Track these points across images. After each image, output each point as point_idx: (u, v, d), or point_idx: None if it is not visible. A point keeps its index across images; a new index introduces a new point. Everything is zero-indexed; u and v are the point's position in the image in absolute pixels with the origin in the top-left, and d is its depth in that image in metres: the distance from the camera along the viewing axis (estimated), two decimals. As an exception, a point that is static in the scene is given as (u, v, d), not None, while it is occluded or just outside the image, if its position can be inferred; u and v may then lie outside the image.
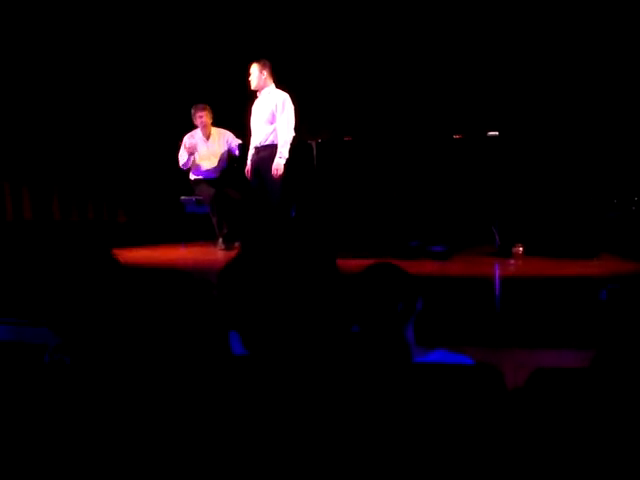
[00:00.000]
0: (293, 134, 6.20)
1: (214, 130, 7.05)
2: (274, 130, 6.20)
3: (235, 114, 7.05)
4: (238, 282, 1.34)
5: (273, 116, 6.19)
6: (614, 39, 6.98)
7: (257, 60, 6.25)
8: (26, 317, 3.38)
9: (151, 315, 1.46)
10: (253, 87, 6.28)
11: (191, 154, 6.87)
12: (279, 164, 6.09)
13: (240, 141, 7.00)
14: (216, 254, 6.51)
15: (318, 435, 1.25)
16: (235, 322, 1.43)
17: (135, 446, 1.36)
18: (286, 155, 6.11)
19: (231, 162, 7.05)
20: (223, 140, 7.06)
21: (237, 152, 6.99)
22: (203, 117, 6.94)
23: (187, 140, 6.94)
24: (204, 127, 6.98)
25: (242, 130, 6.82)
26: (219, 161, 7.01)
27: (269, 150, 6.19)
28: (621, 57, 6.98)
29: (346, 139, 6.76)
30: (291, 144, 6.15)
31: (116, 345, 1.57)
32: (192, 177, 7.03)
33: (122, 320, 1.59)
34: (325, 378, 1.30)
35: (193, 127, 7.05)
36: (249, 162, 6.41)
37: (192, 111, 6.99)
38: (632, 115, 6.94)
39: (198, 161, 6.97)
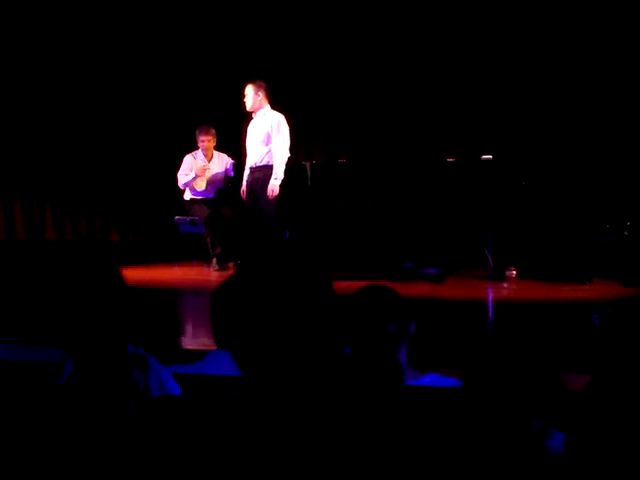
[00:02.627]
0: (288, 155, 6.22)
1: (215, 153, 7.08)
2: (269, 151, 6.22)
3: (231, 134, 7.07)
4: (232, 303, 1.34)
5: (268, 137, 6.21)
6: (605, 64, 7.04)
7: (252, 81, 6.27)
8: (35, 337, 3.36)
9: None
10: (248, 108, 6.30)
11: (198, 176, 6.89)
12: (274, 185, 6.10)
13: (234, 161, 7.02)
14: (210, 274, 6.50)
15: (309, 457, 1.25)
16: (228, 343, 1.42)
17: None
18: (281, 176, 6.13)
19: (226, 182, 7.07)
20: (222, 163, 7.08)
21: (232, 173, 7.01)
22: (205, 142, 6.96)
23: (192, 163, 6.93)
24: (205, 150, 7.00)
25: (237, 151, 6.84)
26: (216, 182, 7.02)
27: (264, 171, 6.21)
28: (611, 82, 7.04)
29: (340, 161, 6.78)
30: (286, 165, 6.17)
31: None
32: (188, 197, 7.03)
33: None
34: (317, 400, 1.30)
35: (190, 145, 7.05)
36: (244, 183, 6.43)
37: (196, 132, 7.00)
38: (625, 140, 6.99)
39: (197, 183, 6.97)
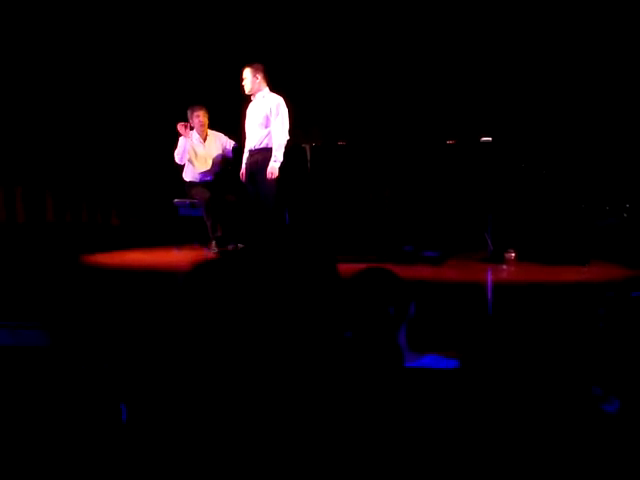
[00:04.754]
0: (287, 138, 6.20)
1: (210, 132, 7.02)
2: (268, 134, 6.21)
3: (230, 117, 7.04)
4: (236, 286, 1.35)
5: (267, 120, 6.20)
6: (607, 48, 7.01)
7: (250, 64, 6.25)
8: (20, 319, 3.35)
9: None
10: (247, 91, 6.27)
11: (185, 138, 6.79)
12: (274, 168, 6.09)
13: (235, 143, 6.97)
14: (209, 257, 6.49)
15: (311, 438, 1.26)
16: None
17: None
18: (281, 159, 6.12)
19: (225, 164, 7.04)
20: (219, 143, 7.02)
21: (231, 155, 6.98)
22: (200, 117, 6.89)
23: (187, 143, 6.81)
24: (201, 127, 6.92)
25: (237, 133, 6.82)
26: (214, 164, 6.98)
27: (263, 154, 6.20)
28: (613, 66, 7.01)
29: (340, 143, 6.77)
30: (285, 148, 6.16)
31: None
32: (187, 178, 7.00)
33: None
34: (318, 383, 1.31)
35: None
36: (244, 165, 6.42)
37: (188, 112, 6.92)
38: (625, 123, 6.97)
39: (194, 163, 6.93)
